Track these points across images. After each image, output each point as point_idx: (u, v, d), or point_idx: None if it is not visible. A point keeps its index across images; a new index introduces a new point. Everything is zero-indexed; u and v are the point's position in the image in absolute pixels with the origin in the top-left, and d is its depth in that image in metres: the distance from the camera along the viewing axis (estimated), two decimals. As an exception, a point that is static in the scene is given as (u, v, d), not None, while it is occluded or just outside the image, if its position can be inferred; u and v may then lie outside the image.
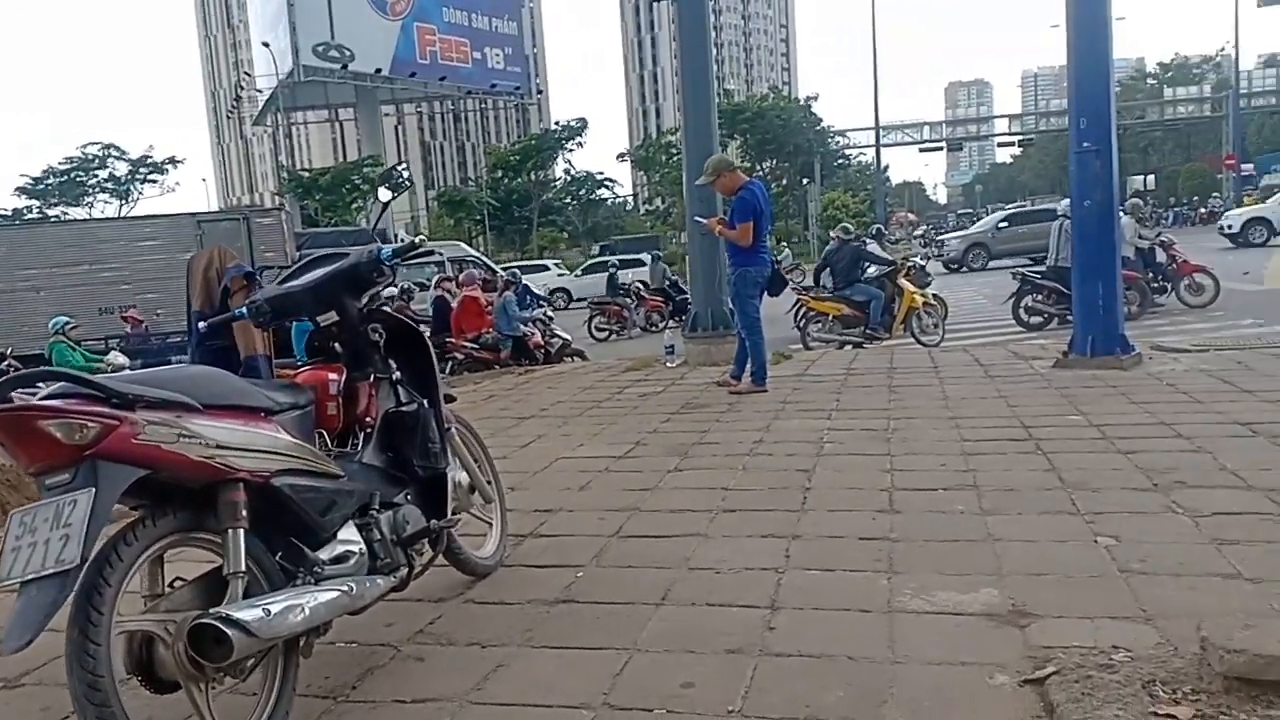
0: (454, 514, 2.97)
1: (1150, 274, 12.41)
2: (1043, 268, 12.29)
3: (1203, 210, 50.72)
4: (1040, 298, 11.81)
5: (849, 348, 10.64)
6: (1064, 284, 10.20)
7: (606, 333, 17.78)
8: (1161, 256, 12.72)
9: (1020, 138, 64.63)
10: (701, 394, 7.08)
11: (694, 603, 2.89)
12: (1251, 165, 49.59)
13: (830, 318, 11.37)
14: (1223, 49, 62.23)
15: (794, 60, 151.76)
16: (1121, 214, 9.89)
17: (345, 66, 50.63)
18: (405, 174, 3.13)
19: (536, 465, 5.00)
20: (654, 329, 17.47)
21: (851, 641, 2.52)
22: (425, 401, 2.83)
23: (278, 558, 2.26)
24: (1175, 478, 3.86)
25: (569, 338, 12.34)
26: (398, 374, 2.84)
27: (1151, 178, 62.22)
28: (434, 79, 55.20)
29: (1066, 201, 9.85)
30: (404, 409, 2.77)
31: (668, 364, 8.97)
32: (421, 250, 2.83)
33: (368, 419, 2.69)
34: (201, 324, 3.06)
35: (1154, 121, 62.16)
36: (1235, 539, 3.10)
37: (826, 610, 2.77)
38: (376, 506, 2.57)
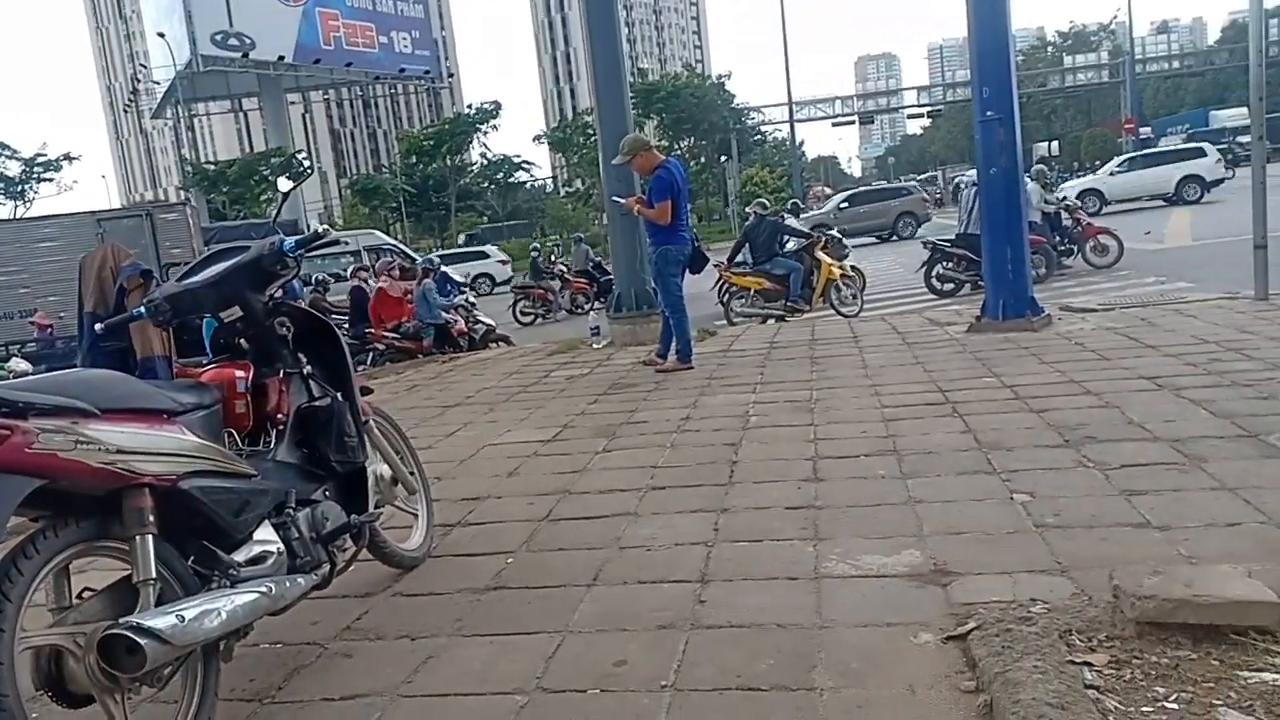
0: (376, 508, 2.93)
1: (1056, 237, 12.83)
2: (950, 236, 12.59)
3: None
4: (951, 265, 12.10)
5: (771, 321, 10.75)
6: (973, 251, 10.47)
7: (532, 316, 17.68)
8: (1067, 220, 13.16)
9: (929, 109, 66.03)
10: (628, 374, 7.09)
11: (625, 581, 2.89)
12: (1149, 129, 51.53)
13: (752, 292, 11.49)
14: (1116, 16, 64.39)
15: (705, 38, 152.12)
16: (1027, 180, 10.20)
17: (246, 55, 48.90)
18: (306, 163, 3.06)
19: (463, 453, 4.94)
20: (579, 311, 17.43)
21: (780, 609, 2.56)
22: (339, 395, 2.77)
23: (190, 562, 2.19)
24: (1085, 433, 4.00)
25: (493, 323, 12.23)
26: (309, 368, 2.77)
27: (1055, 143, 64.29)
28: (340, 65, 53.72)
29: (973, 171, 10.09)
30: (317, 403, 2.70)
31: (594, 345, 8.95)
32: (327, 240, 2.75)
33: (279, 416, 2.62)
34: (98, 325, 2.93)
35: (1055, 89, 64.15)
36: (1143, 489, 3.23)
37: (755, 580, 2.80)
38: (293, 505, 2.50)
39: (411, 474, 3.31)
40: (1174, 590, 2.12)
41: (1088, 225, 13.20)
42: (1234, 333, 5.97)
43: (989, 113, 7.07)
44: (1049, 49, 74.08)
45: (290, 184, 3.11)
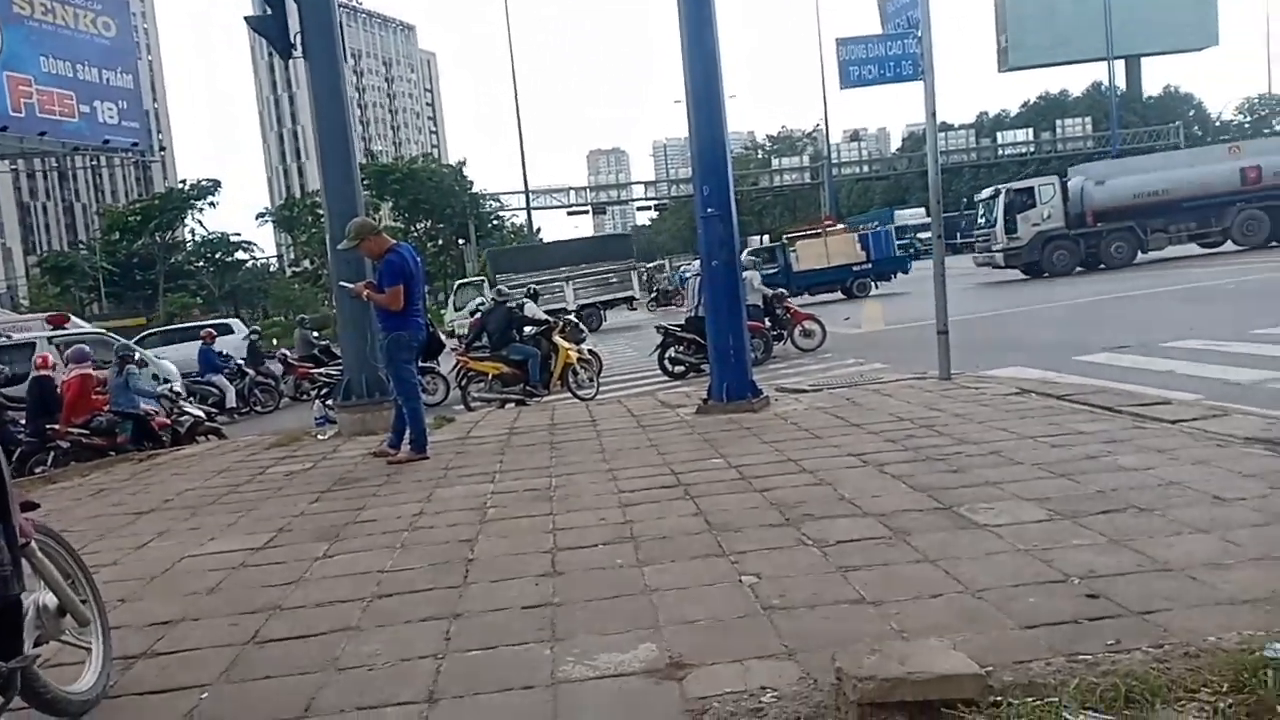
0: (36, 645, 2.47)
1: (768, 322, 13.86)
2: (683, 320, 13.24)
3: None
4: (681, 349, 12.71)
5: (511, 406, 10.66)
6: (701, 335, 11.01)
7: (248, 406, 16.38)
8: (779, 308, 14.28)
9: (655, 202, 70.04)
10: (357, 467, 6.68)
11: (343, 709, 2.61)
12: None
13: (490, 377, 11.39)
14: (817, 125, 71.84)
15: (442, 125, 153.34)
16: (746, 270, 10.94)
17: (-87, 120, 42.84)
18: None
19: (155, 569, 4.35)
20: (304, 398, 16.43)
21: (514, 725, 2.40)
22: (-13, 516, 2.32)
23: None
24: (803, 511, 4.20)
25: (202, 414, 11.13)
26: (-52, 485, 2.31)
27: (766, 237, 69.98)
28: (32, 134, 48.20)
29: (697, 262, 10.68)
30: (-44, 528, 2.25)
31: (319, 436, 8.42)
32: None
33: (-95, 545, 2.15)
34: None
35: (765, 188, 70.27)
36: (857, 565, 3.40)
37: (488, 694, 2.62)
38: (-85, 656, 2.04)
39: (84, 601, 2.84)
40: (891, 669, 2.20)
41: (795, 312, 14.43)
42: (925, 410, 6.61)
43: (710, 210, 7.50)
44: (760, 152, 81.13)
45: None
